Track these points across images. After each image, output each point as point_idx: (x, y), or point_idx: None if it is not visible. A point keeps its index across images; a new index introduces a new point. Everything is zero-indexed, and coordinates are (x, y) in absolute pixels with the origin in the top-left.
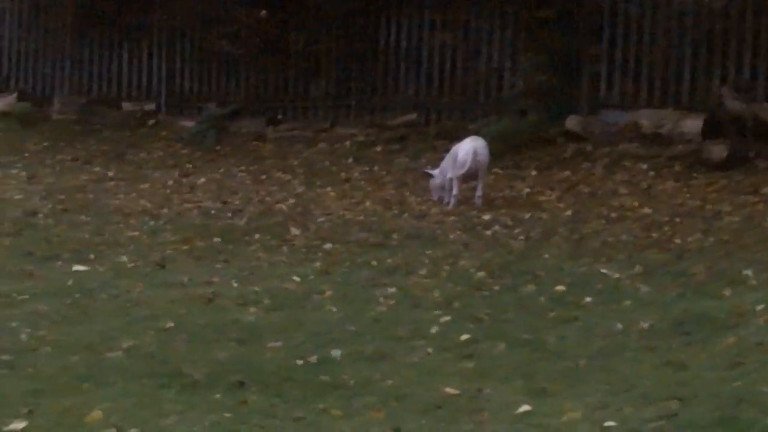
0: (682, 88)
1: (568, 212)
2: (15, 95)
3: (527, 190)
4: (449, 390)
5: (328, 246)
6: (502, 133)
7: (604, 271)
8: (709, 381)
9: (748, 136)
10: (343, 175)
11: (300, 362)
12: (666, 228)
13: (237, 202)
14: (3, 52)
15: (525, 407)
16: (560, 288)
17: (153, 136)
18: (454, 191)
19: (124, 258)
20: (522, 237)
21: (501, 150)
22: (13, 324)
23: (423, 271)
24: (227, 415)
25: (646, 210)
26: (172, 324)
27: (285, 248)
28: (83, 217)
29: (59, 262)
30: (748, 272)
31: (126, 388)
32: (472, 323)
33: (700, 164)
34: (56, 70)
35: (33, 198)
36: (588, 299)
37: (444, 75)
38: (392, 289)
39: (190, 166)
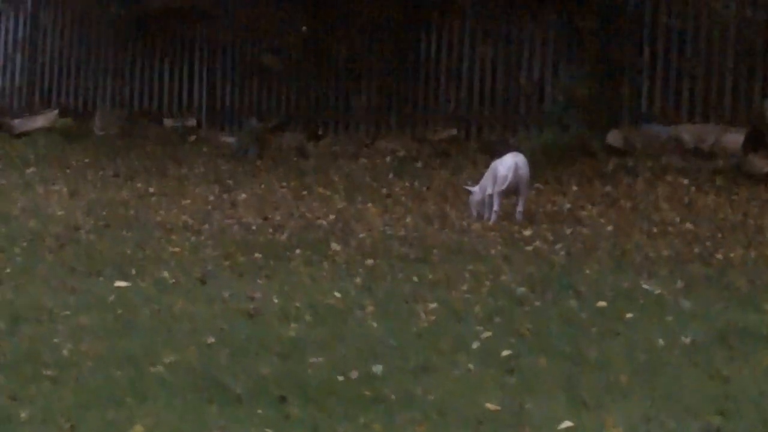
0: (724, 101)
1: (610, 227)
2: (56, 111)
3: (568, 204)
4: (491, 405)
5: (369, 261)
6: (543, 147)
7: (646, 286)
8: (752, 395)
9: None
10: (384, 190)
11: (342, 377)
12: (708, 242)
13: (278, 218)
14: (44, 68)
15: (567, 422)
16: (602, 303)
17: (194, 152)
18: (495, 207)
19: (166, 273)
20: (563, 252)
21: (542, 164)
22: (56, 339)
23: (464, 286)
24: (269, 429)
25: (688, 225)
26: (213, 339)
27: (326, 264)
28: (125, 233)
29: (101, 278)
30: None
31: (168, 403)
32: (514, 338)
33: (742, 178)
34: (98, 85)
35: (75, 213)
36: (630, 314)
37: (485, 88)
38: (434, 304)
39: (231, 181)
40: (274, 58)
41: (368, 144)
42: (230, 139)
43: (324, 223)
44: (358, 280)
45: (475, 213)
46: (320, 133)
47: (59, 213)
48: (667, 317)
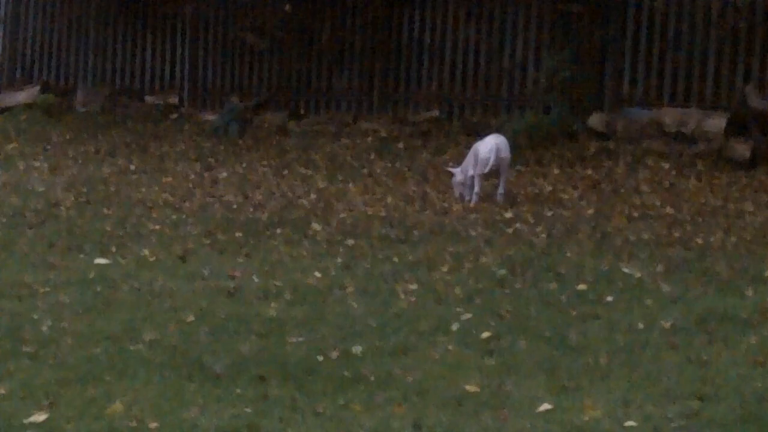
0: (706, 85)
1: (591, 210)
2: (38, 87)
3: (549, 187)
4: (470, 386)
5: (349, 241)
6: (525, 129)
7: (626, 269)
8: (732, 379)
9: None
10: (365, 170)
11: (321, 357)
12: (688, 227)
13: (259, 197)
14: (26, 43)
15: (546, 404)
16: (582, 286)
17: (176, 129)
18: (476, 188)
19: (146, 251)
20: (544, 234)
21: (523, 146)
22: (35, 315)
23: (445, 267)
24: (248, 408)
25: (669, 209)
26: (193, 317)
27: (306, 243)
28: (106, 210)
29: (81, 254)
30: None
31: (148, 380)
32: (494, 320)
33: (723, 163)
34: (80, 62)
35: (56, 189)
36: (610, 297)
37: (467, 70)
38: (414, 285)
39: (213, 159)
40: (257, 37)
41: (350, 124)
42: (212, 117)
43: (305, 202)
44: (338, 259)
45: (457, 194)
46: (302, 112)
47: (40, 189)
48: (647, 301)
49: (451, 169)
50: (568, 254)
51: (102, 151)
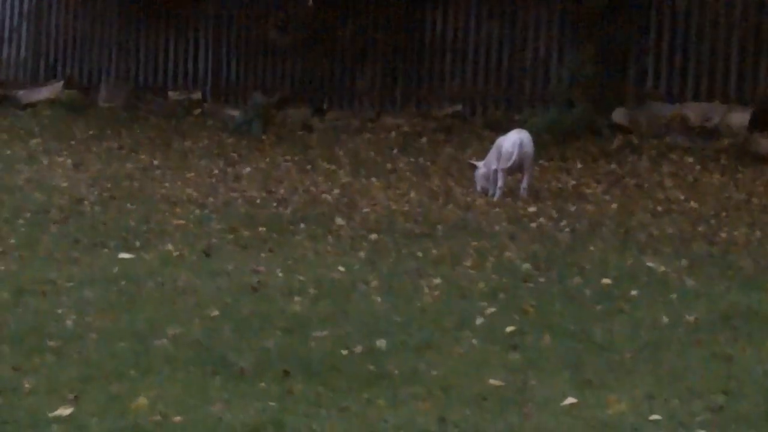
0: (730, 81)
1: (614, 205)
2: (62, 83)
3: (573, 182)
4: (495, 381)
5: (373, 236)
6: (549, 125)
7: (650, 264)
8: (757, 375)
9: None
10: (388, 165)
11: (345, 352)
12: (712, 221)
13: (282, 192)
14: (50, 39)
15: (571, 399)
16: (606, 281)
17: (199, 125)
18: (500, 183)
19: (170, 246)
20: (568, 229)
21: (547, 142)
22: (60, 311)
23: (468, 263)
24: (273, 403)
25: (693, 203)
26: (217, 312)
27: (330, 238)
28: (129, 205)
29: (105, 250)
30: None
31: (172, 376)
32: (518, 315)
33: (747, 157)
34: (103, 58)
35: (80, 185)
36: (634, 292)
37: (490, 66)
38: (438, 280)
39: (236, 155)
40: (281, 33)
41: (373, 119)
42: (235, 113)
43: (328, 197)
44: (362, 254)
45: (480, 188)
46: (325, 108)
47: (63, 185)
48: (671, 296)
49: (474, 163)
50: (592, 249)
51: (125, 147)
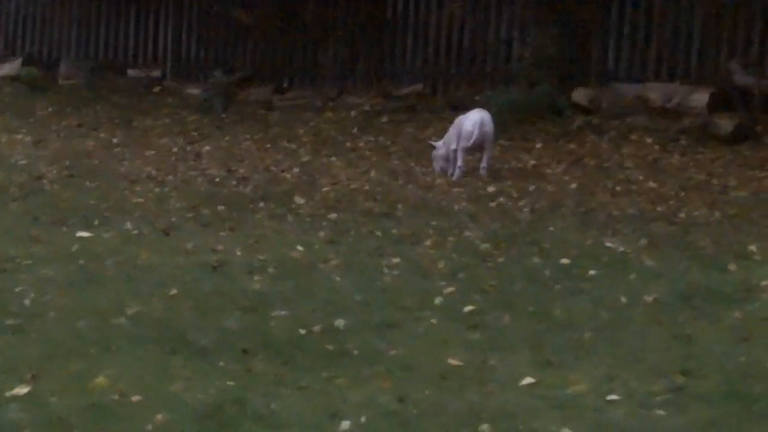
0: (691, 62)
1: (574, 185)
2: (21, 59)
3: (533, 162)
4: (454, 361)
5: (333, 215)
6: (510, 105)
7: (609, 244)
8: (716, 355)
9: (755, 110)
10: (349, 144)
11: (305, 331)
12: (672, 202)
13: (242, 170)
14: (9, 16)
15: (530, 379)
16: (566, 260)
17: (159, 103)
18: (459, 163)
19: (129, 224)
20: (527, 209)
21: (508, 121)
22: (19, 288)
23: (428, 242)
24: (232, 382)
25: (653, 183)
26: (177, 291)
27: (290, 217)
28: (89, 183)
29: (65, 228)
30: (754, 247)
31: (132, 354)
32: (478, 294)
33: (708, 138)
34: (63, 35)
35: (39, 163)
36: (594, 272)
37: (452, 45)
38: (398, 259)
39: (196, 133)
40: (243, 11)
41: (334, 98)
42: (195, 91)
43: (288, 176)
44: (322, 233)
45: (438, 168)
46: (286, 86)
47: (23, 162)
48: (631, 275)
49: (433, 143)
50: (552, 229)
51: (85, 125)
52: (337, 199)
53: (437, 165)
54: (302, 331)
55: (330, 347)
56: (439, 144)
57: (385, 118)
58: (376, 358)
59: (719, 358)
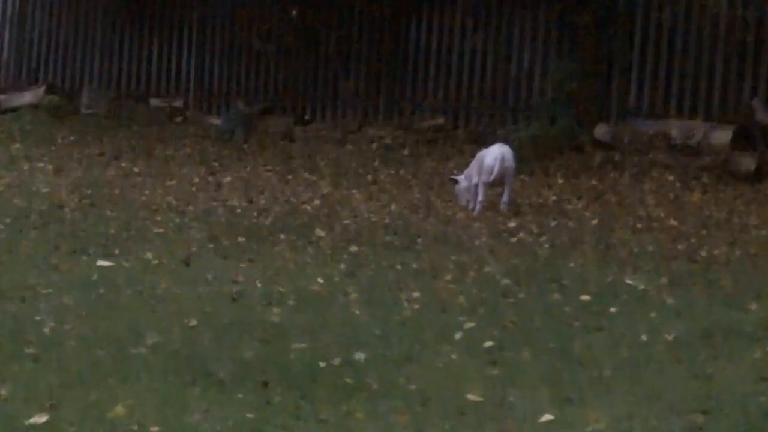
0: (713, 98)
1: (595, 221)
2: (44, 88)
3: (554, 197)
4: (473, 396)
5: (353, 248)
6: (531, 140)
7: (630, 281)
8: (736, 394)
9: None
10: (369, 177)
11: (324, 364)
12: (693, 239)
13: (263, 201)
14: (32, 44)
15: (549, 416)
16: (586, 297)
17: (180, 133)
18: (480, 197)
19: (150, 254)
20: (548, 245)
21: (529, 156)
22: (38, 317)
23: (448, 276)
24: (251, 414)
25: (673, 221)
26: (196, 321)
27: (310, 249)
28: (110, 212)
29: (85, 257)
30: None
31: (151, 385)
32: (497, 330)
33: (729, 176)
34: (85, 64)
35: (60, 191)
36: (614, 309)
37: (474, 79)
38: (417, 293)
39: (217, 163)
40: (264, 42)
41: (355, 130)
42: (217, 121)
43: (309, 208)
44: (342, 266)
45: (465, 201)
46: (307, 117)
47: (44, 190)
48: (651, 313)
49: (455, 177)
50: (572, 265)
51: (106, 154)
52: (357, 231)
53: (462, 198)
54: (321, 364)
55: (349, 380)
56: (461, 178)
57: (406, 151)
58: (395, 391)
59: (739, 398)
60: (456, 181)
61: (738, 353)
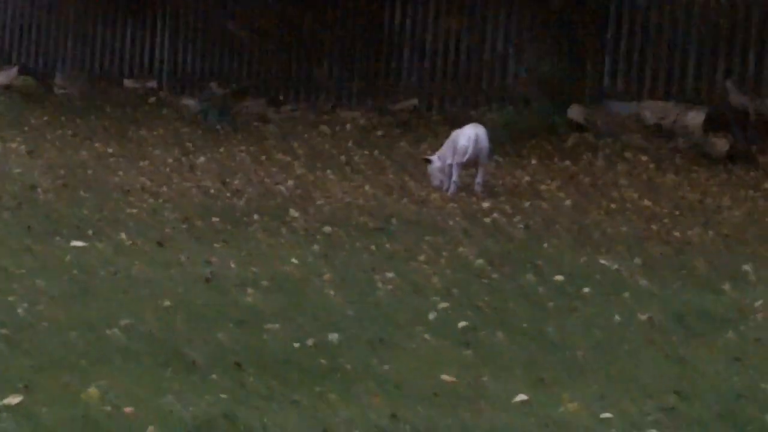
0: (686, 81)
1: (568, 202)
2: (16, 68)
3: (528, 178)
4: (447, 377)
5: (327, 229)
6: (505, 122)
7: (603, 262)
8: (709, 376)
9: (750, 130)
10: (343, 158)
11: (298, 345)
12: (666, 221)
13: (237, 183)
14: (5, 26)
15: (523, 397)
16: (560, 278)
17: (154, 114)
18: (454, 177)
19: (123, 235)
20: (522, 225)
21: (503, 138)
22: (11, 298)
23: (422, 258)
24: (224, 396)
25: (647, 202)
26: (170, 303)
27: (284, 230)
28: (83, 193)
29: (58, 238)
30: (748, 268)
31: (124, 367)
32: (471, 311)
33: (702, 158)
34: (59, 46)
35: (33, 172)
36: (587, 290)
37: (448, 62)
38: (391, 275)
39: (191, 145)
40: (239, 25)
41: (329, 112)
42: (191, 103)
43: (283, 189)
44: (316, 247)
45: (438, 182)
46: (281, 98)
47: (17, 171)
48: (624, 294)
49: (428, 158)
50: (546, 246)
51: (80, 135)
52: (331, 213)
53: (435, 179)
54: (295, 345)
55: (322, 362)
56: (434, 158)
57: (380, 133)
58: (369, 373)
59: (712, 379)
60: (429, 161)
61: (711, 335)
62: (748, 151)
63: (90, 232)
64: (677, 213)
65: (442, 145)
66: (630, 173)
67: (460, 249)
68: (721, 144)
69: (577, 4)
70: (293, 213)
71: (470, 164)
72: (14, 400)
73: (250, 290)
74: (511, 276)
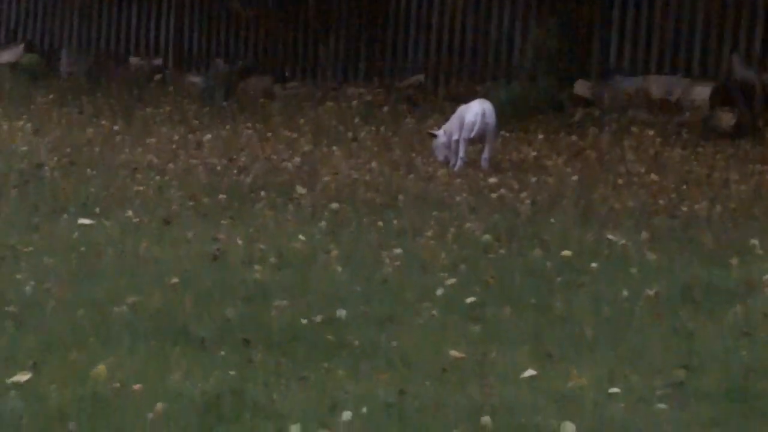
0: (693, 55)
1: (575, 177)
2: (22, 46)
3: (534, 154)
4: (455, 353)
5: (334, 206)
6: (511, 98)
7: (611, 237)
8: (717, 350)
9: (757, 105)
10: (350, 135)
11: (306, 322)
12: (673, 195)
13: (243, 160)
14: (11, 4)
15: (531, 372)
16: (567, 253)
17: (160, 92)
18: (461, 153)
19: (130, 213)
20: (528, 201)
21: (509, 114)
22: (18, 276)
23: (429, 233)
24: (232, 372)
25: (653, 177)
26: (178, 281)
27: (291, 207)
28: (89, 171)
29: (65, 216)
30: (755, 242)
31: (132, 344)
32: (479, 287)
33: (709, 132)
34: (65, 24)
35: (39, 151)
36: (595, 265)
37: (454, 38)
38: (398, 251)
39: (197, 122)
40: (243, 5)
41: (335, 89)
42: (196, 80)
43: (289, 166)
44: (323, 224)
45: (442, 157)
46: (287, 75)
47: (23, 149)
48: (632, 269)
49: (433, 132)
50: (553, 221)
51: (86, 113)
52: (337, 189)
53: (440, 154)
54: (303, 321)
55: (330, 338)
56: (440, 133)
57: (386, 109)
58: (377, 349)
59: (720, 354)
60: (434, 136)
61: (719, 309)
62: (754, 126)
63: (97, 210)
64: (684, 187)
65: (446, 120)
66: (636, 148)
67: (467, 225)
68: (727, 118)
69: None
70: (300, 189)
71: (477, 140)
72: (22, 378)
73: (257, 267)
74: (518, 251)
